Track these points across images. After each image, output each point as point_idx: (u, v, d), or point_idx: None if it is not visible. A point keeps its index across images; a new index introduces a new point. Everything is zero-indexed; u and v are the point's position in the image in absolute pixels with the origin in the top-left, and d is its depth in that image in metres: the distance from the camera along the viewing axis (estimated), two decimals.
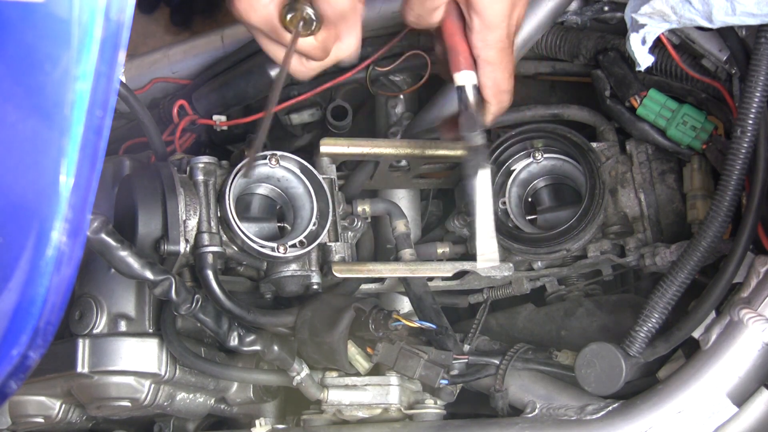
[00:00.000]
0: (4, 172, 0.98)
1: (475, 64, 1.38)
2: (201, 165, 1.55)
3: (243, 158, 1.53)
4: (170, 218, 1.48)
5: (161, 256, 1.48)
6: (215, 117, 1.87)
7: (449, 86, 1.68)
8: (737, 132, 1.37)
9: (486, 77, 1.39)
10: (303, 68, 1.38)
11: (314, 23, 1.30)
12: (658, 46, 1.49)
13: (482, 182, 1.39)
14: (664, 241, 1.57)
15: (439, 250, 1.67)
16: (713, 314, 1.42)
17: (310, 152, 1.64)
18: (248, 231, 1.51)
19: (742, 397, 1.38)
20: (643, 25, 1.39)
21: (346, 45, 1.36)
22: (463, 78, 1.39)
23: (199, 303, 1.45)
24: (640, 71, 1.51)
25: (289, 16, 1.29)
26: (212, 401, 1.69)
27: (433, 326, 1.53)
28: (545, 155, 1.62)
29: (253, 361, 1.63)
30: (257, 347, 1.50)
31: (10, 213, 1.00)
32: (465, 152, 1.40)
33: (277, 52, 1.36)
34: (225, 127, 1.88)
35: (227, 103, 1.88)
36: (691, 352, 1.43)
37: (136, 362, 1.54)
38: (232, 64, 1.89)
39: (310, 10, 1.29)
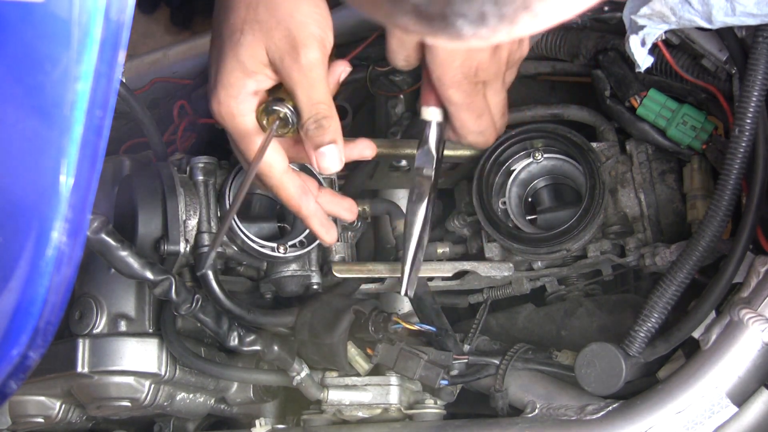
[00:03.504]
0: (4, 172, 0.99)
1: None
2: (201, 165, 1.55)
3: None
4: (170, 218, 1.49)
5: (161, 256, 1.49)
6: None
7: None
8: (735, 131, 1.37)
9: (452, 117, 1.43)
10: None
11: (290, 124, 1.33)
12: (657, 48, 1.49)
13: (419, 212, 1.47)
14: (664, 241, 1.56)
15: (439, 250, 1.67)
16: (713, 314, 1.41)
17: None
18: (248, 231, 1.51)
19: (742, 397, 1.38)
20: (642, 27, 1.39)
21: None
22: (429, 113, 1.45)
23: (199, 303, 1.45)
24: (639, 71, 1.51)
25: (265, 120, 1.33)
26: (212, 401, 1.69)
27: (433, 329, 1.53)
28: (545, 155, 1.62)
29: (253, 361, 1.63)
30: (257, 347, 1.50)
31: (10, 213, 1.00)
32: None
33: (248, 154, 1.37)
34: None
35: None
36: (691, 352, 1.43)
37: (136, 362, 1.54)
38: None
39: (287, 110, 1.32)
